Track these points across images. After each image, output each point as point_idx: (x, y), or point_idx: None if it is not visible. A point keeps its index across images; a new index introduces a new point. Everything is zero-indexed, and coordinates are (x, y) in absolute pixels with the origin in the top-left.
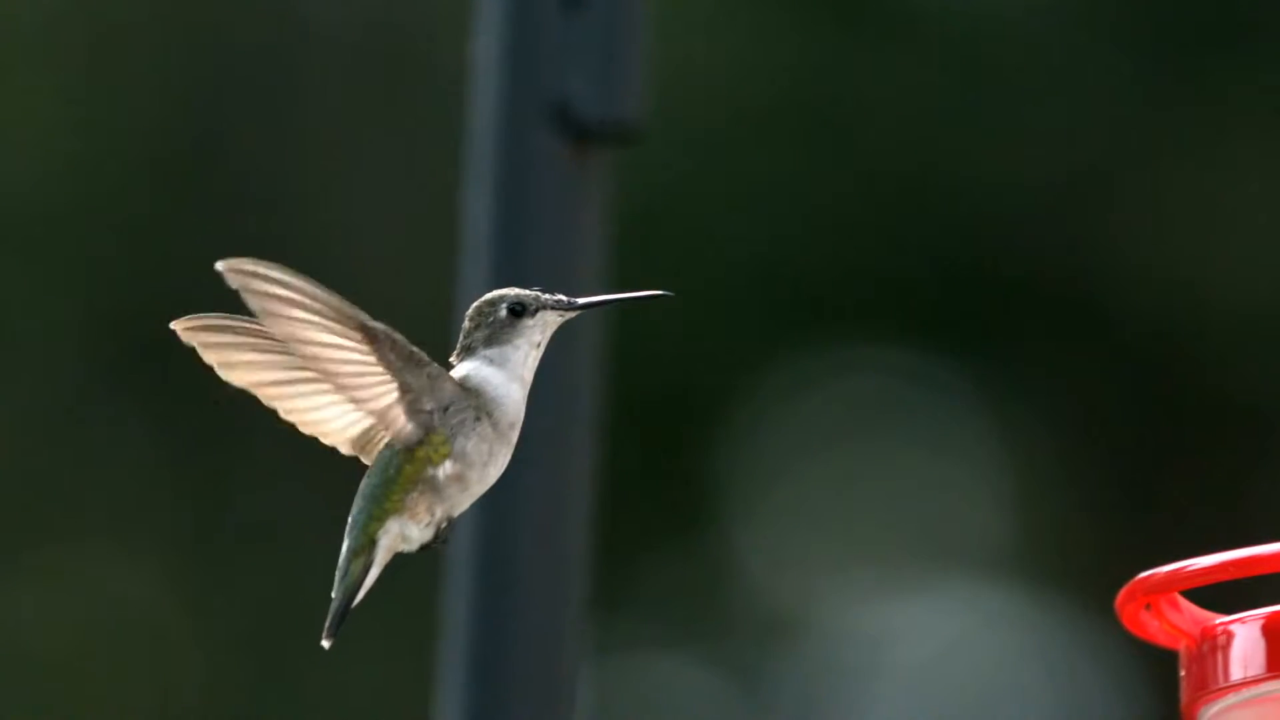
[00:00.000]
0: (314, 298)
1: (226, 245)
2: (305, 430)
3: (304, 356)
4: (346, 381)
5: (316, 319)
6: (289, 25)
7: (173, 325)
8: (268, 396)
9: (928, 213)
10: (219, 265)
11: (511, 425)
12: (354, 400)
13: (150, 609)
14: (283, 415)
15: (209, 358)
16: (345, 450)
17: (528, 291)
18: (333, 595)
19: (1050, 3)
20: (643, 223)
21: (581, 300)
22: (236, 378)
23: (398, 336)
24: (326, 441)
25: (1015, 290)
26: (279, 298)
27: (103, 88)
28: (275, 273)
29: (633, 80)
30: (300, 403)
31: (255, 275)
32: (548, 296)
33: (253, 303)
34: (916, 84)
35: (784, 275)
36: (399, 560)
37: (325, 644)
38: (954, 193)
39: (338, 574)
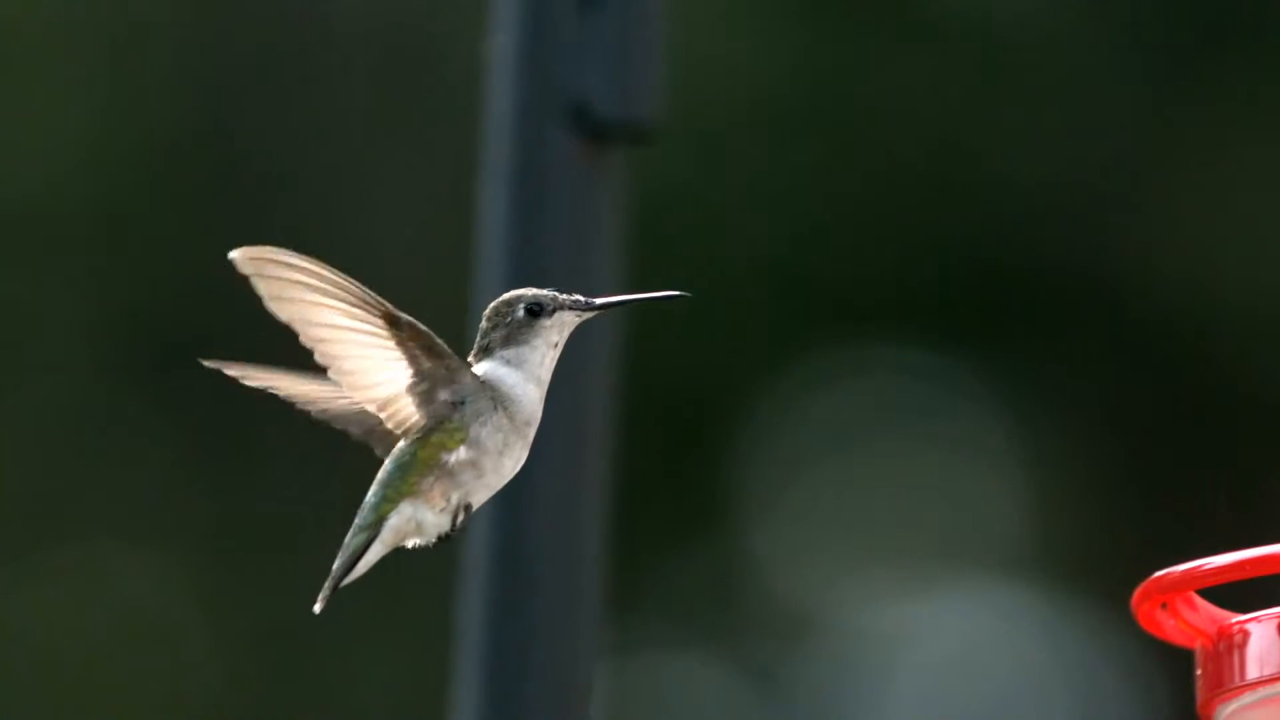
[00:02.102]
0: (333, 282)
1: (244, 244)
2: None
3: (316, 339)
4: (359, 364)
5: (334, 303)
6: (306, 24)
7: (233, 254)
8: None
9: (944, 211)
10: (233, 254)
11: (527, 423)
12: (365, 384)
13: (167, 607)
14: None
15: (264, 289)
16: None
17: (545, 292)
18: (333, 566)
19: (1066, 1)
20: (658, 221)
21: (599, 300)
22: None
23: (420, 325)
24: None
25: (1032, 289)
26: (294, 281)
27: (119, 88)
28: (291, 258)
29: (649, 79)
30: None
31: (270, 261)
32: (565, 297)
33: (265, 287)
34: (931, 82)
35: (800, 274)
36: (415, 559)
37: (317, 609)
38: (971, 191)
39: (343, 545)
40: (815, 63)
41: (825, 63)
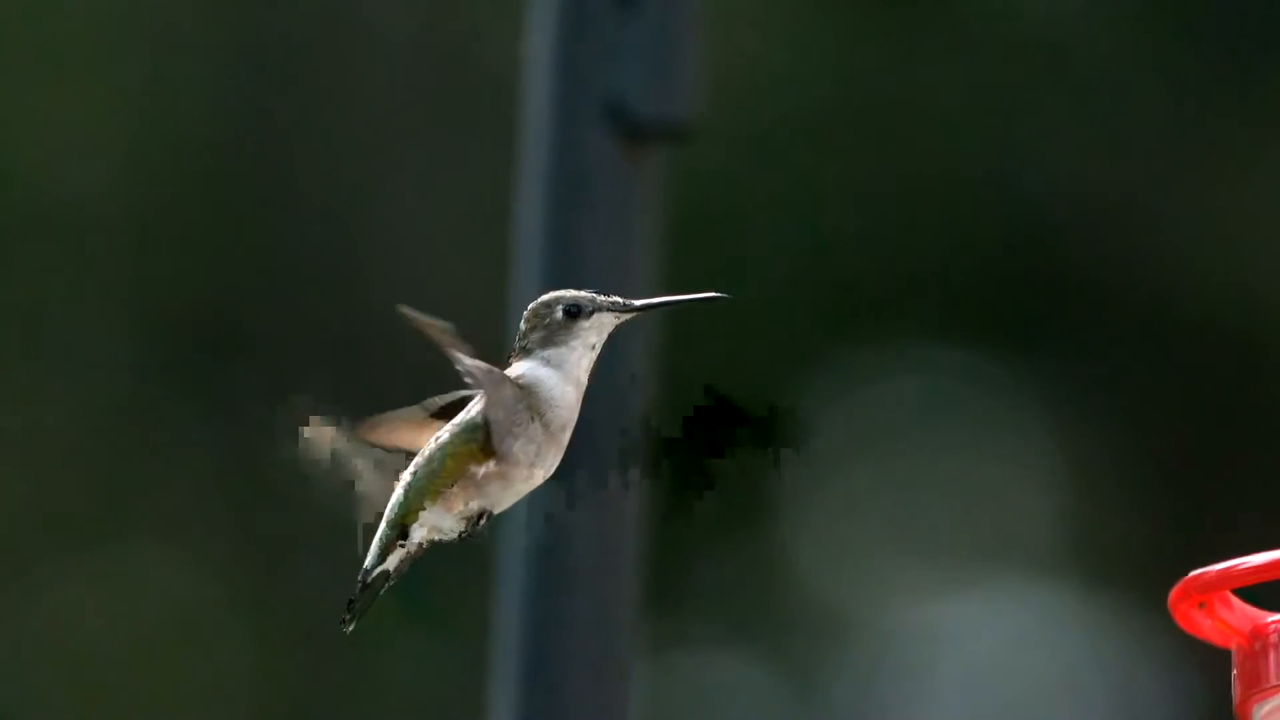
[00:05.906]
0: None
1: (280, 246)
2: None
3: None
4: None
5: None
6: (342, 25)
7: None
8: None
9: (980, 212)
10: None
11: (563, 427)
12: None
13: (202, 606)
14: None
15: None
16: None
17: (584, 293)
18: (358, 577)
19: (1106, 2)
20: (696, 221)
21: (639, 302)
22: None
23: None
24: None
25: (1068, 289)
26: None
27: (156, 89)
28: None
29: (686, 79)
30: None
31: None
32: (604, 298)
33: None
34: (968, 83)
35: (837, 274)
36: (452, 557)
37: (343, 622)
38: (1006, 191)
39: (369, 547)
40: (854, 63)
41: (864, 63)
